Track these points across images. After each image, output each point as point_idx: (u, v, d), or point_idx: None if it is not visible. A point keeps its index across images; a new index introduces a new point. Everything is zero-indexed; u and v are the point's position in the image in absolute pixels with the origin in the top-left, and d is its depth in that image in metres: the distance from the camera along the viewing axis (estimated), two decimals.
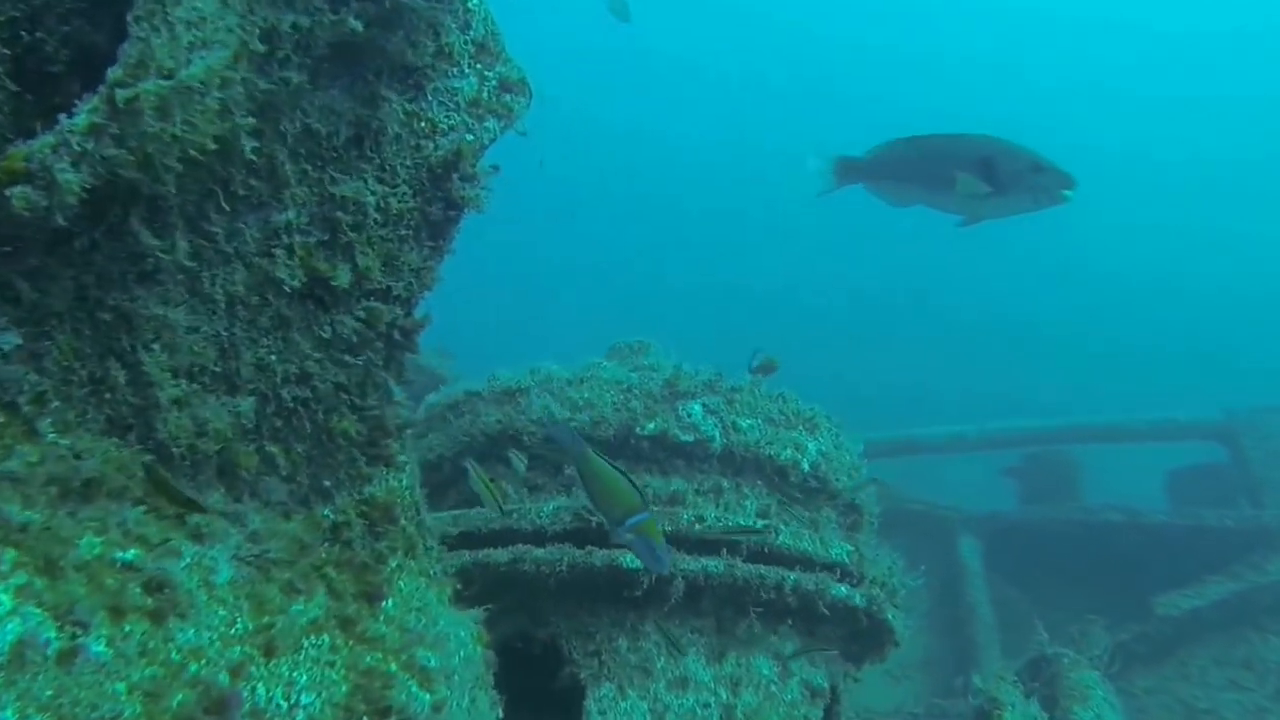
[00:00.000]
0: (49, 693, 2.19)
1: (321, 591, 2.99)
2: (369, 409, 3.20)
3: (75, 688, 2.24)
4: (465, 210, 3.08)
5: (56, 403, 2.54)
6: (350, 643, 2.97)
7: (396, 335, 3.17)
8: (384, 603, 3.30)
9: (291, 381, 2.99)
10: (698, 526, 5.65)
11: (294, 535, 3.04)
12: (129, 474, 2.59)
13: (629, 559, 5.48)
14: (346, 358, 3.05)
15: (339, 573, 3.18)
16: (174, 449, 2.71)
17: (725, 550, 5.65)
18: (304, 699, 2.74)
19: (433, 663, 3.20)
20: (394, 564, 3.42)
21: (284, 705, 2.68)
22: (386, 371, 3.18)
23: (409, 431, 3.50)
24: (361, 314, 3.04)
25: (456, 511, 6.06)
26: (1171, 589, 16.61)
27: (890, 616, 6.39)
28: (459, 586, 4.96)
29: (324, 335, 2.99)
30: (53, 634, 2.24)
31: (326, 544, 3.21)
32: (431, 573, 3.59)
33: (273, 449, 3.01)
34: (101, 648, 2.32)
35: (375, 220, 2.97)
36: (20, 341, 2.42)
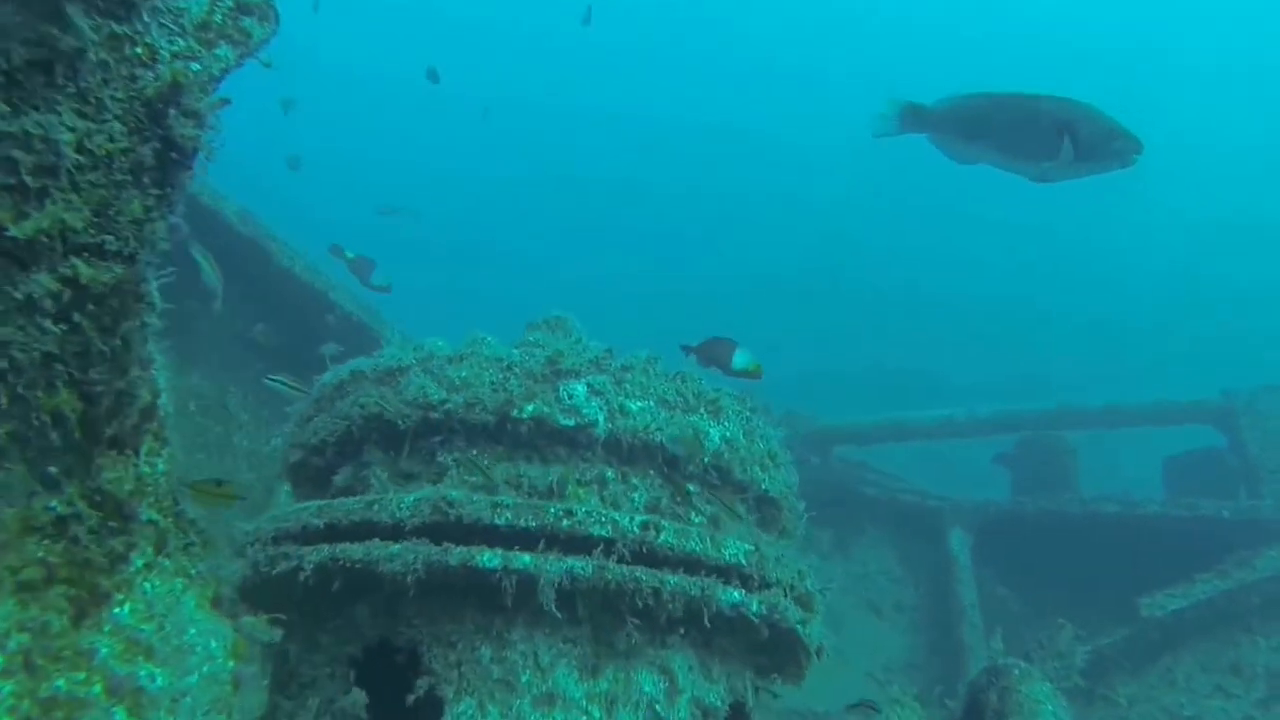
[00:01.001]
0: None
1: (9, 600, 2.71)
2: (94, 383, 2.91)
3: None
4: (189, 153, 2.78)
5: None
6: (39, 664, 2.69)
7: (124, 297, 2.88)
8: (116, 609, 3.03)
9: None
10: (565, 522, 5.38)
11: None
12: None
13: (487, 557, 5.22)
14: (48, 324, 2.76)
15: (56, 571, 2.90)
16: None
17: (600, 550, 5.38)
18: None
19: (156, 683, 2.93)
20: (139, 563, 3.14)
21: None
22: (113, 338, 2.89)
23: (162, 408, 3.22)
24: (67, 272, 2.75)
25: (321, 502, 5.80)
26: (1168, 583, 16.57)
27: (798, 627, 6.14)
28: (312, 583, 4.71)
29: (16, 296, 2.69)
30: None
31: (46, 541, 2.93)
32: (192, 573, 3.31)
33: None
34: None
35: (76, 163, 2.67)
36: None
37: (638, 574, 5.37)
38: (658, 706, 5.67)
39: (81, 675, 2.77)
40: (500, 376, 5.98)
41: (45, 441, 2.94)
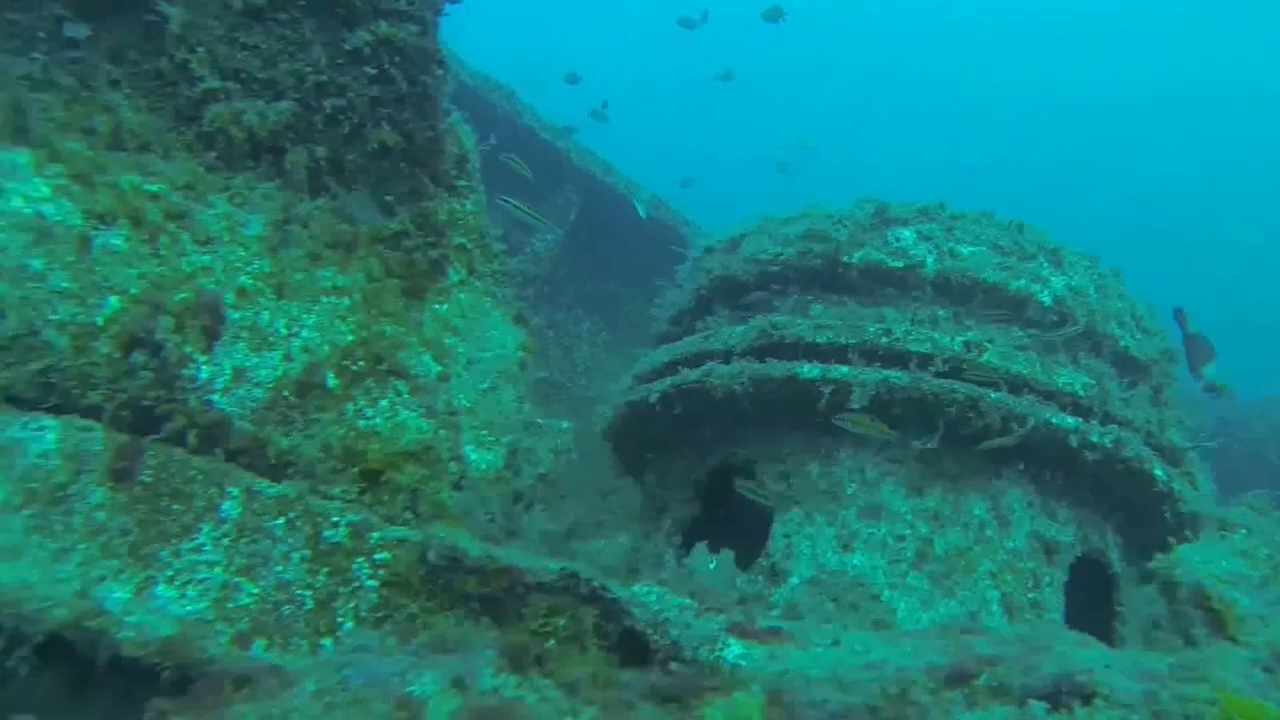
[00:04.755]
0: (69, 258, 2.84)
1: (359, 273, 3.41)
2: (407, 122, 3.56)
3: (92, 264, 2.88)
4: None
5: (130, 90, 3.24)
6: (373, 313, 3.34)
7: (421, 53, 3.49)
8: (436, 306, 3.65)
9: (330, 93, 3.45)
10: (884, 339, 5.24)
11: (343, 229, 3.49)
12: (181, 143, 3.22)
13: (806, 369, 5.26)
14: (369, 69, 3.44)
15: (390, 268, 3.58)
16: (214, 134, 3.30)
17: (916, 364, 5.16)
18: (305, 333, 3.17)
19: (458, 348, 3.48)
20: (455, 278, 3.75)
21: (283, 331, 3.14)
22: (416, 86, 3.52)
23: (471, 162, 3.81)
24: (376, 30, 3.41)
25: (666, 345, 6.26)
26: None
27: (1155, 472, 5.32)
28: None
29: (345, 48, 3.41)
30: (79, 221, 2.90)
31: (383, 246, 3.62)
32: (497, 294, 3.85)
33: (320, 151, 3.48)
34: (119, 242, 2.94)
35: None
36: (90, 31, 3.14)
37: (955, 386, 5.06)
38: (988, 531, 5.27)
39: (404, 329, 3.40)
40: (830, 227, 5.98)
41: (381, 171, 3.65)
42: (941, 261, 5.67)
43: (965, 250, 5.72)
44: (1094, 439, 5.18)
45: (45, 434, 2.76)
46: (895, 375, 5.11)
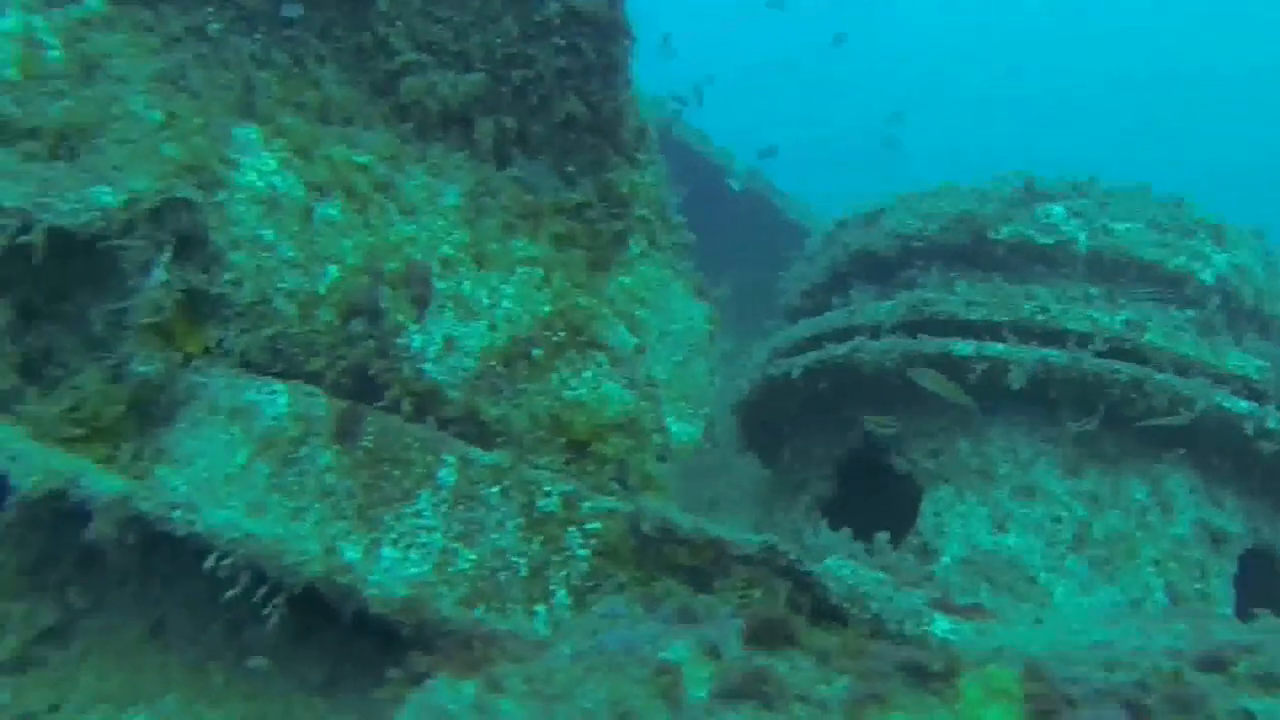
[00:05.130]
0: (294, 229, 2.89)
1: (548, 243, 3.40)
2: (593, 93, 3.53)
3: (313, 234, 2.92)
4: None
5: (333, 65, 3.28)
6: (566, 283, 3.33)
7: (609, 26, 3.45)
8: (620, 278, 3.63)
9: (518, 65, 3.44)
10: (1040, 317, 5.06)
11: (530, 199, 3.49)
12: (379, 115, 3.25)
13: (960, 346, 5.11)
14: (558, 40, 3.41)
15: (574, 239, 3.57)
16: (409, 106, 3.31)
17: (1074, 342, 4.97)
18: (505, 303, 3.18)
19: (649, 320, 3.45)
20: (636, 249, 3.72)
21: (485, 301, 3.15)
22: (604, 57, 3.48)
23: (649, 135, 3.77)
24: (570, 1, 3.38)
25: (807, 320, 6.15)
26: None
27: None
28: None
29: (535, 20, 3.38)
30: (301, 193, 2.94)
31: (566, 217, 3.61)
32: (678, 267, 3.81)
33: (508, 121, 3.48)
34: (335, 213, 2.98)
35: None
36: (303, 10, 3.18)
37: (1117, 366, 4.86)
38: (1150, 516, 5.06)
39: (595, 300, 3.39)
40: (974, 204, 5.80)
41: (565, 142, 3.63)
42: (1095, 238, 5.46)
43: (1120, 226, 5.49)
44: (1272, 426, 4.92)
45: (277, 398, 2.82)
46: (1054, 354, 4.93)
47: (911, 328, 5.38)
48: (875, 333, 5.52)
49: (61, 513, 2.89)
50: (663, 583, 2.91)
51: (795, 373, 5.77)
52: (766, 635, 2.38)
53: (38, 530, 3.03)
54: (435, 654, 2.34)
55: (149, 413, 2.83)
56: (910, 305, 5.42)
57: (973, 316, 5.22)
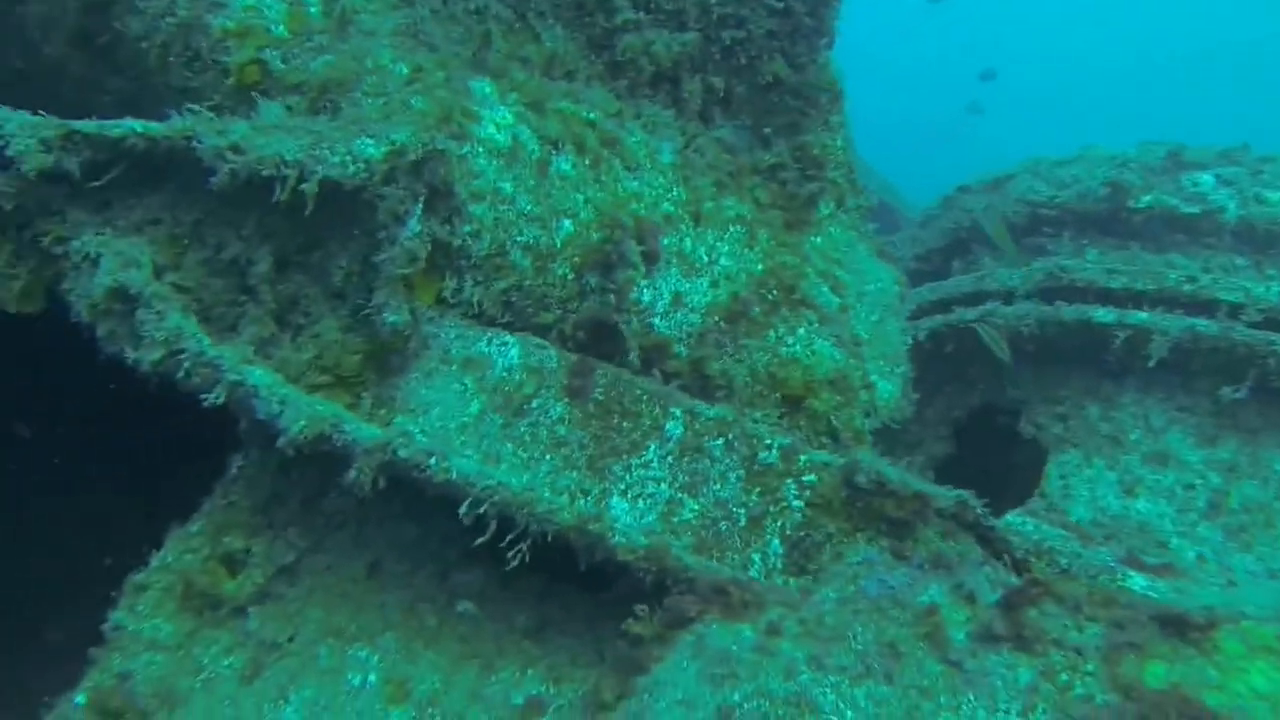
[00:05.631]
0: (531, 182, 2.94)
1: (750, 203, 3.43)
2: (798, 57, 3.53)
3: (549, 188, 2.98)
4: None
5: (553, 20, 3.30)
6: (772, 242, 3.37)
7: None
8: (812, 238, 3.66)
9: (729, 25, 3.44)
10: (1187, 287, 5.01)
11: (725, 159, 3.52)
12: (594, 72, 3.28)
13: (1101, 314, 5.09)
14: (773, 2, 3.41)
15: (770, 199, 3.60)
16: (624, 63, 3.33)
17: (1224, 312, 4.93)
18: (723, 261, 3.23)
19: (847, 281, 3.48)
20: (825, 210, 3.74)
21: (704, 258, 3.19)
22: (814, 19, 3.47)
23: (841, 98, 3.77)
24: None
25: (932, 284, 6.15)
26: None
27: None
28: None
29: None
30: (535, 146, 2.99)
31: (762, 179, 3.64)
32: (863, 229, 3.83)
33: (716, 81, 3.49)
34: (568, 167, 3.03)
35: None
36: None
37: (1273, 338, 4.82)
38: None
39: (797, 259, 3.43)
40: (1113, 172, 5.72)
41: (766, 103, 3.64)
42: (1245, 207, 5.38)
43: (1275, 195, 5.39)
44: None
45: (509, 349, 2.91)
46: (1203, 323, 4.90)
47: (1046, 294, 5.37)
48: (1007, 298, 5.51)
49: (286, 458, 3.02)
50: (866, 533, 3.00)
51: (921, 335, 5.78)
52: (1017, 584, 2.45)
53: (266, 473, 3.17)
54: (685, 599, 2.45)
55: (387, 362, 2.93)
56: (1047, 272, 5.39)
57: (1114, 285, 5.19)
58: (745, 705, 2.10)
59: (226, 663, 3.14)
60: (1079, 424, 5.36)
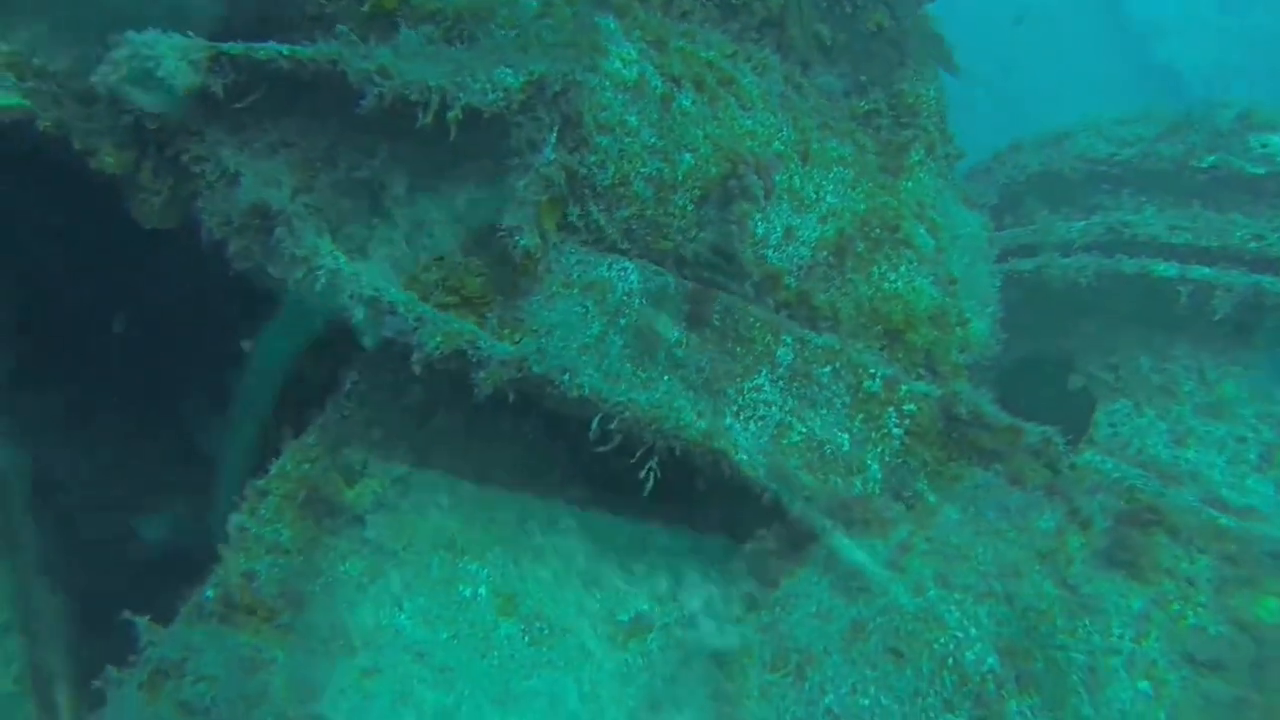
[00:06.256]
0: (654, 116, 3.03)
1: (850, 146, 3.51)
2: (900, 5, 3.58)
3: (671, 122, 3.06)
4: None
5: None
6: (870, 185, 3.45)
7: None
8: (905, 181, 3.73)
9: None
10: (1253, 244, 5.07)
11: (827, 104, 3.58)
12: (703, 13, 3.34)
13: (1162, 268, 5.16)
14: None
15: (865, 144, 3.66)
16: (737, 6, 3.39)
17: None
18: (829, 199, 3.31)
19: (940, 223, 3.56)
20: (916, 157, 3.81)
21: (813, 196, 3.28)
22: None
23: (945, 48, 3.82)
24: None
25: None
26: None
27: None
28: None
29: None
30: (658, 82, 3.07)
31: (859, 126, 3.70)
32: (949, 176, 3.90)
33: (821, 29, 3.54)
34: (688, 104, 3.10)
35: None
36: None
37: None
38: None
39: (895, 201, 3.51)
40: (1179, 130, 5.74)
41: (865, 50, 3.70)
42: None
43: None
44: None
45: (629, 275, 3.01)
46: (1270, 280, 4.96)
47: (1105, 248, 5.42)
48: (1064, 250, 5.57)
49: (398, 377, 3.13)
50: (959, 464, 3.12)
51: None
52: (1131, 511, 2.58)
53: (380, 390, 3.29)
54: (810, 515, 2.57)
55: (512, 284, 3.03)
56: (1108, 226, 5.45)
57: (1177, 241, 5.25)
58: (877, 619, 2.23)
59: (344, 568, 3.28)
60: (1131, 374, 5.45)
